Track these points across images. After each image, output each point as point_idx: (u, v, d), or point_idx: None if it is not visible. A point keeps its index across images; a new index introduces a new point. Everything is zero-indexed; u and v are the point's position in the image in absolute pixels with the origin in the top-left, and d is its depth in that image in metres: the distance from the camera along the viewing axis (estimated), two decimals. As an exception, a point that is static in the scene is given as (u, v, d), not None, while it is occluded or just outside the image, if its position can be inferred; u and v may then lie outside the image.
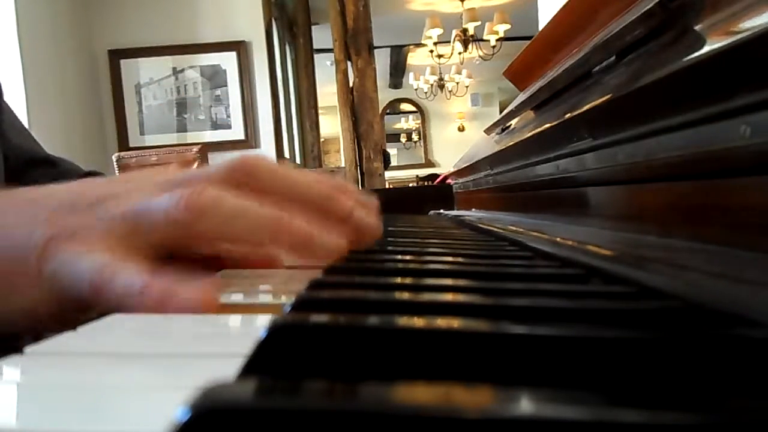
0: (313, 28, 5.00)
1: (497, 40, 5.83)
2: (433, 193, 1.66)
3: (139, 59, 3.65)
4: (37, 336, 0.28)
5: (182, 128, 3.72)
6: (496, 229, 0.59)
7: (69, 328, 0.27)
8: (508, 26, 5.77)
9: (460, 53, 6.24)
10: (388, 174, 4.83)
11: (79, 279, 0.26)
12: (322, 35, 4.80)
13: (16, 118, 0.69)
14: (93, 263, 0.26)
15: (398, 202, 1.53)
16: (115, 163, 2.81)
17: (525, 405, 0.11)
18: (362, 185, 3.77)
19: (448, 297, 0.25)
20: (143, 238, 0.28)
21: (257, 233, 0.28)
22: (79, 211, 0.28)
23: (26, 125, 0.74)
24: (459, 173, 1.26)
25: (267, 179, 0.30)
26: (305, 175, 0.31)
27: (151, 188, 0.29)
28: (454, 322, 0.17)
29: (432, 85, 7.86)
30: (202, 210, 0.27)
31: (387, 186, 4.79)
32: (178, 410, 0.10)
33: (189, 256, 0.33)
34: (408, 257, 0.42)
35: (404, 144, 10.02)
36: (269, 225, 0.28)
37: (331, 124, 6.97)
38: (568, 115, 0.47)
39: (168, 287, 0.25)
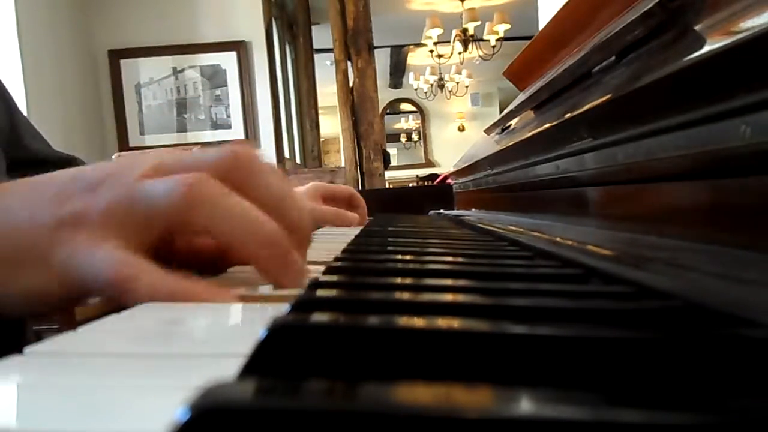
0: (313, 28, 5.00)
1: (497, 40, 5.83)
2: (433, 193, 1.67)
3: (139, 59, 3.65)
4: (42, 318, 0.28)
5: (182, 128, 3.72)
6: (496, 229, 0.59)
7: (72, 309, 0.28)
8: (508, 26, 5.77)
9: (460, 53, 6.24)
10: (388, 174, 4.83)
11: (96, 273, 0.26)
12: (322, 35, 4.80)
13: (28, 122, 0.69)
14: (110, 260, 0.26)
15: (398, 202, 1.53)
16: (115, 163, 2.81)
17: (525, 405, 0.11)
18: (362, 185, 3.77)
19: (448, 297, 0.25)
20: (145, 223, 0.28)
21: (248, 237, 0.28)
22: (81, 192, 0.28)
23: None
24: (459, 173, 1.26)
25: (255, 182, 0.30)
26: (286, 191, 0.31)
27: (149, 171, 0.29)
28: (454, 323, 0.17)
29: (432, 85, 7.86)
30: (201, 201, 0.27)
31: (387, 186, 4.79)
32: (178, 410, 0.10)
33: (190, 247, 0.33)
34: (408, 257, 0.42)
35: (404, 144, 10.02)
36: (263, 234, 0.28)
37: (331, 124, 6.97)
38: (568, 115, 0.47)
39: (193, 291, 0.26)
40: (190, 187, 0.27)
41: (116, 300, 0.26)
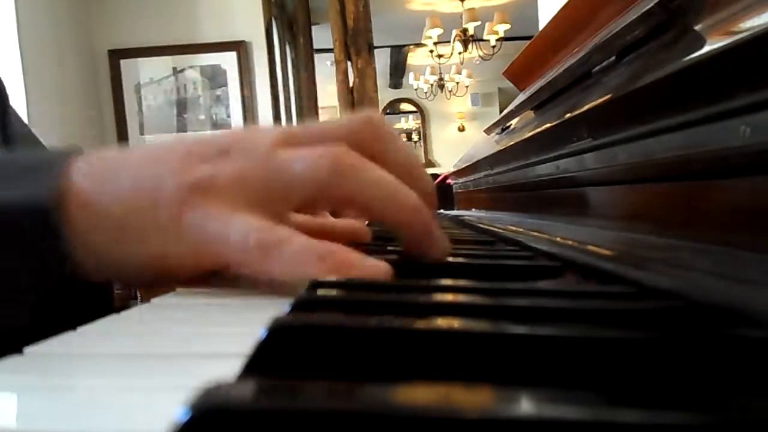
0: (313, 28, 4.99)
1: (497, 40, 5.83)
2: (433, 193, 1.66)
3: (139, 59, 3.65)
4: (166, 286, 0.28)
5: (182, 128, 3.71)
6: (496, 229, 0.59)
7: (194, 282, 0.28)
8: (508, 26, 5.77)
9: (460, 53, 6.24)
10: (388, 174, 4.82)
11: (234, 239, 0.26)
12: (322, 35, 4.80)
13: (24, 125, 0.69)
14: (250, 226, 0.26)
15: (398, 202, 1.52)
16: (115, 163, 2.81)
17: (525, 405, 0.11)
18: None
19: (449, 297, 0.25)
20: (283, 194, 0.27)
21: (394, 205, 0.28)
22: (212, 157, 0.27)
23: (26, 125, 0.74)
24: (459, 173, 1.26)
25: (387, 151, 0.29)
26: (414, 159, 0.31)
27: (281, 141, 0.28)
28: (455, 322, 0.17)
29: (432, 85, 7.86)
30: (346, 173, 0.27)
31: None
32: (178, 410, 0.10)
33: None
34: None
35: (404, 144, 10.01)
36: (409, 203, 0.28)
37: (331, 124, 6.96)
38: (568, 115, 0.47)
39: (347, 259, 0.26)
40: (334, 158, 0.27)
41: (251, 269, 0.26)
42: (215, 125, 3.72)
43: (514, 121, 0.84)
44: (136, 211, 0.27)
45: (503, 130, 0.89)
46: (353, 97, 3.82)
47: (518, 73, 0.93)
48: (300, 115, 4.86)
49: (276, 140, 0.28)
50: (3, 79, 0.65)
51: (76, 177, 0.27)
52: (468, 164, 1.07)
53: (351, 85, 3.85)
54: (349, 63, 3.84)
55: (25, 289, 0.26)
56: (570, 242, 0.39)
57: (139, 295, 1.99)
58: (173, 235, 0.27)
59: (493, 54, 5.92)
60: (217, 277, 0.34)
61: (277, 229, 0.26)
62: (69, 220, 0.26)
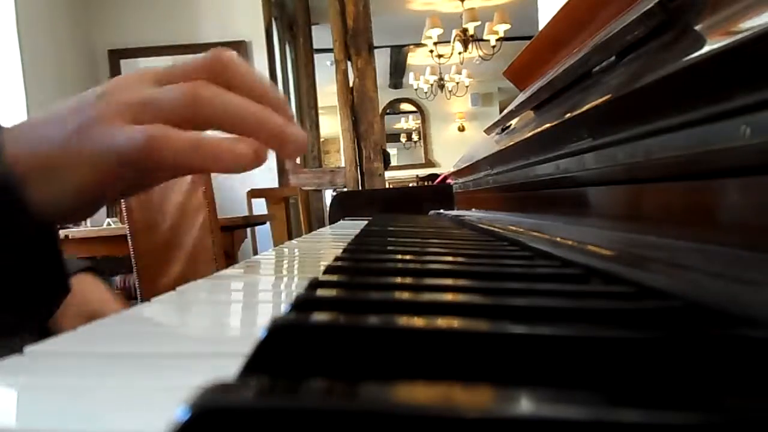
0: (313, 28, 4.99)
1: (497, 40, 5.83)
2: (433, 193, 1.66)
3: (139, 59, 3.65)
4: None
5: (182, 128, 3.71)
6: (496, 229, 0.59)
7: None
8: (508, 26, 5.76)
9: (460, 53, 6.24)
10: (388, 174, 4.82)
11: (126, 146, 0.32)
12: (322, 35, 4.80)
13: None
14: (136, 131, 0.32)
15: (398, 202, 1.52)
16: (115, 163, 2.81)
17: (525, 405, 0.11)
18: (362, 185, 3.77)
19: (448, 297, 0.25)
20: (159, 115, 0.33)
21: (246, 123, 0.34)
22: (96, 100, 0.34)
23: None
24: (459, 173, 1.26)
25: (240, 79, 0.36)
26: (264, 81, 0.38)
27: (152, 78, 0.36)
28: (454, 322, 0.17)
29: (432, 85, 7.85)
30: (203, 101, 0.34)
31: (387, 186, 4.79)
32: (178, 410, 0.10)
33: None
34: (408, 257, 0.42)
35: (404, 144, 10.01)
36: (256, 116, 0.34)
37: (331, 124, 6.97)
38: (568, 115, 0.47)
39: (222, 142, 0.33)
40: (194, 91, 0.33)
41: (145, 163, 0.32)
42: (215, 125, 3.71)
43: (514, 121, 0.84)
44: (45, 155, 0.34)
45: (503, 130, 0.89)
46: (353, 97, 3.82)
47: (518, 73, 0.93)
48: (300, 114, 4.86)
49: (148, 78, 0.36)
50: (3, 80, 0.66)
51: (12, 146, 0.34)
52: (468, 164, 1.07)
53: (351, 85, 3.85)
54: (349, 63, 3.84)
55: None
56: (570, 242, 0.39)
57: (139, 295, 1.99)
58: (82, 165, 0.33)
59: (493, 54, 5.92)
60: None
61: (159, 128, 0.33)
62: (22, 181, 0.33)
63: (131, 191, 0.39)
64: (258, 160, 0.35)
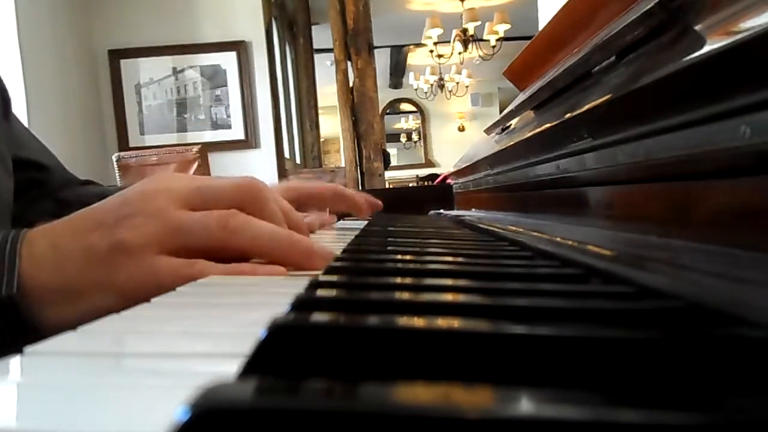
0: (313, 28, 5.00)
1: (497, 40, 5.83)
2: (433, 193, 1.66)
3: (139, 59, 3.65)
4: None
5: (182, 128, 3.71)
6: (496, 229, 0.59)
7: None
8: (508, 26, 5.77)
9: (460, 53, 6.24)
10: (388, 174, 4.83)
11: (158, 284, 0.31)
12: (322, 35, 4.80)
13: (32, 136, 0.70)
14: (169, 264, 0.33)
15: (398, 202, 1.52)
16: (115, 163, 2.81)
17: (525, 405, 0.11)
18: (362, 185, 3.77)
19: (448, 297, 0.25)
20: (185, 246, 0.34)
21: (276, 250, 0.36)
22: (123, 220, 0.34)
23: (26, 126, 0.74)
24: (459, 173, 1.26)
25: (267, 209, 0.38)
26: (287, 209, 0.41)
27: (181, 203, 0.36)
28: (454, 322, 0.17)
29: (432, 85, 7.85)
30: (232, 230, 0.35)
31: (387, 186, 4.79)
32: (178, 410, 0.10)
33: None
34: (408, 257, 0.42)
35: (404, 144, 10.02)
36: (285, 243, 0.36)
37: (331, 124, 6.97)
38: (568, 115, 0.47)
39: (245, 269, 0.34)
40: (224, 220, 0.35)
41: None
42: (215, 125, 3.72)
43: (514, 121, 0.84)
44: (70, 277, 0.33)
45: (503, 130, 0.89)
46: (353, 97, 3.82)
47: (518, 73, 0.93)
48: (300, 114, 4.87)
49: (176, 202, 0.35)
50: (3, 79, 0.66)
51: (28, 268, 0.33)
52: (468, 164, 1.07)
53: (351, 85, 3.85)
54: (349, 63, 3.84)
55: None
56: (570, 242, 0.39)
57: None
58: (110, 293, 0.33)
59: (493, 54, 5.92)
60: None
61: (189, 263, 0.34)
62: (31, 303, 0.33)
63: None
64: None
